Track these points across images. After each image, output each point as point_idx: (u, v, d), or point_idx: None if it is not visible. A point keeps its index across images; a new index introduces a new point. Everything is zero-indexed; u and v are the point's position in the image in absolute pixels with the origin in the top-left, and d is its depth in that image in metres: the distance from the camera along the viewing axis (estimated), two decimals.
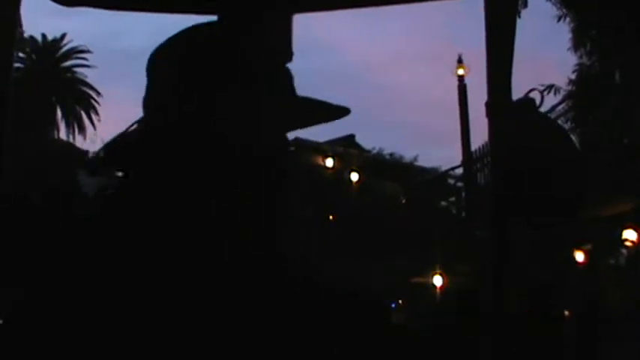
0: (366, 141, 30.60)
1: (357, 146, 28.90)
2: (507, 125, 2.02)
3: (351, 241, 17.73)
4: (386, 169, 24.90)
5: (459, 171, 17.32)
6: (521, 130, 2.00)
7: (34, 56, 31.35)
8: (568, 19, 12.99)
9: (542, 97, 2.05)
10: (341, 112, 1.58)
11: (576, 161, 2.12)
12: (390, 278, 16.02)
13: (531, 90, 2.07)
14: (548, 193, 1.95)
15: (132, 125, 1.47)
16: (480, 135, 13.34)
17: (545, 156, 2.00)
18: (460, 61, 14.59)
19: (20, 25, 2.25)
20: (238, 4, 2.26)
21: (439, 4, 2.26)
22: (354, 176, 22.32)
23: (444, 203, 22.92)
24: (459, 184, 18.81)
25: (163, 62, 1.43)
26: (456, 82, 14.57)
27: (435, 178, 23.37)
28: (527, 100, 2.06)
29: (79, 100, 32.65)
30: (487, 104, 2.08)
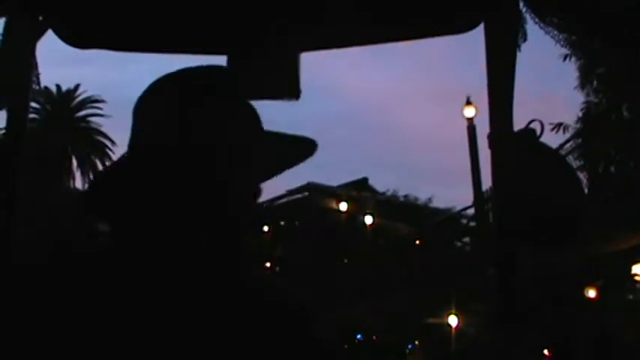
0: (380, 183, 30.71)
1: (371, 189, 28.98)
2: (510, 156, 2.09)
3: (364, 283, 17.71)
4: (401, 210, 24.92)
5: (472, 211, 17.36)
6: (521, 159, 2.07)
7: (48, 107, 31.71)
8: (574, 57, 13.08)
9: (543, 128, 2.11)
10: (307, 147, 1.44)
11: (574, 184, 2.18)
12: (403, 319, 15.96)
13: (532, 121, 2.13)
14: (548, 215, 2.01)
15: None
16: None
17: (543, 181, 2.07)
18: (469, 102, 14.63)
19: (36, 67, 2.33)
20: (249, 45, 2.36)
21: (439, 40, 2.33)
22: (368, 219, 22.37)
23: (458, 244, 22.89)
24: (472, 223, 18.80)
25: (154, 103, 1.39)
26: (465, 122, 14.60)
27: (448, 218, 23.34)
28: (527, 131, 2.12)
29: (94, 149, 32.93)
30: (489, 136, 2.15)
